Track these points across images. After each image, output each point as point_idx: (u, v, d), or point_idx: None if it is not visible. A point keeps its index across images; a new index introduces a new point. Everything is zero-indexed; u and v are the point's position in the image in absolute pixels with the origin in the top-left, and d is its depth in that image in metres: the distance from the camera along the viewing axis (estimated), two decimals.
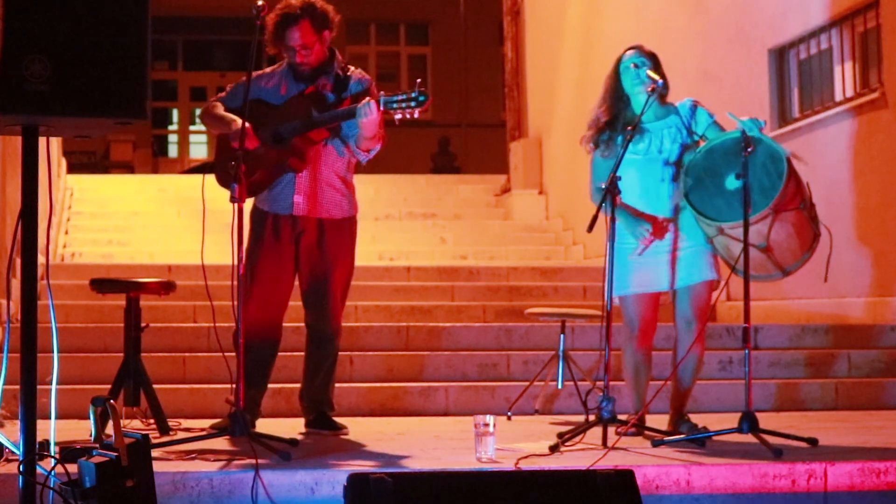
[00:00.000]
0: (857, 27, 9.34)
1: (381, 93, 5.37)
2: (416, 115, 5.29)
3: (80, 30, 3.67)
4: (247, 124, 5.31)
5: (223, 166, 5.71)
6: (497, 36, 20.07)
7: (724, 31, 10.80)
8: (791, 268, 5.54)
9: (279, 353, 5.99)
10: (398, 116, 5.30)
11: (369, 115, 5.30)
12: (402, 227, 13.41)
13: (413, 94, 5.26)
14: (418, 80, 5.41)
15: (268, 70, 5.79)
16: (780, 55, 10.22)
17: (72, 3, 3.67)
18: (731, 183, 5.36)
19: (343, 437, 5.77)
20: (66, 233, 12.39)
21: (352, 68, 5.73)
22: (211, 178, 5.57)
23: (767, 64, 10.23)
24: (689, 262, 5.62)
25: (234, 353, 5.67)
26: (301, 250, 5.71)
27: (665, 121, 5.65)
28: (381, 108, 5.29)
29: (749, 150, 5.18)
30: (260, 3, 5.36)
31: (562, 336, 7.08)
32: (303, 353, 7.56)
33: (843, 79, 9.45)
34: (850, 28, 9.40)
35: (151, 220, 12.18)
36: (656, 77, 5.49)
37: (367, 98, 5.36)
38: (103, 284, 6.30)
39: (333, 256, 5.72)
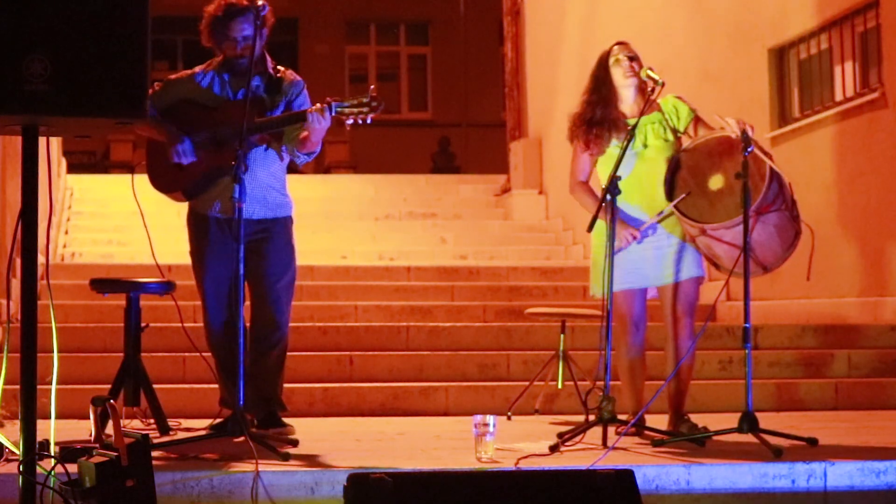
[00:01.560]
0: (857, 27, 9.33)
1: (330, 99, 5.33)
2: (368, 121, 5.26)
3: (79, 30, 3.66)
4: (179, 141, 5.35)
5: (158, 169, 5.64)
6: (497, 36, 20.06)
7: (724, 31, 10.80)
8: (771, 265, 5.55)
9: None
10: (349, 122, 5.26)
11: (321, 121, 5.26)
12: (402, 227, 13.41)
13: (365, 100, 5.24)
14: (371, 87, 5.40)
15: (197, 69, 5.70)
16: (780, 55, 10.22)
17: (71, 2, 3.66)
18: (714, 183, 5.37)
19: (339, 436, 5.77)
20: (66, 233, 12.38)
21: (282, 69, 5.67)
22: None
23: (767, 64, 10.23)
24: (675, 260, 5.62)
25: (211, 354, 5.70)
26: (244, 250, 5.60)
27: (648, 116, 5.64)
28: (333, 113, 5.27)
29: (749, 149, 5.18)
30: (260, 2, 5.35)
31: (562, 336, 7.08)
32: (301, 354, 7.60)
33: (843, 79, 9.45)
34: (850, 28, 9.40)
35: (151, 220, 12.07)
36: (657, 77, 5.49)
37: (320, 103, 5.30)
38: (103, 284, 6.30)
39: (276, 255, 5.64)
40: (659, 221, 5.57)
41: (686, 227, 5.49)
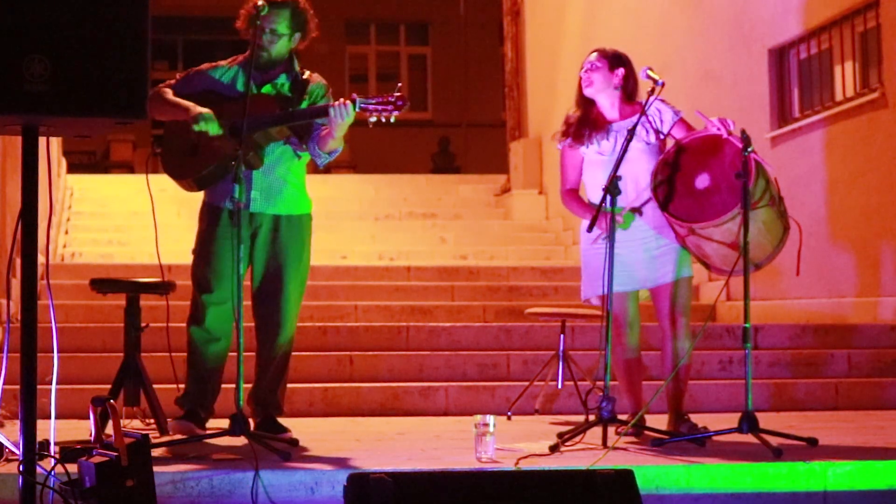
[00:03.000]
0: (857, 27, 9.34)
1: (354, 95, 5.29)
2: (391, 119, 5.21)
3: (79, 30, 3.66)
4: (202, 110, 5.26)
5: (171, 154, 5.54)
6: (497, 36, 20.06)
7: (724, 31, 10.80)
8: (762, 262, 5.56)
9: None
10: (373, 119, 5.21)
11: (344, 116, 5.18)
12: (402, 227, 13.41)
13: (390, 98, 5.19)
14: (399, 84, 5.36)
15: (223, 63, 5.63)
16: (780, 55, 10.22)
17: (71, 2, 3.67)
18: (701, 182, 5.38)
19: (348, 437, 5.76)
20: (66, 233, 12.38)
21: (308, 72, 5.61)
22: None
23: (767, 64, 10.23)
24: (666, 261, 5.62)
25: (184, 354, 5.60)
26: (256, 247, 5.52)
27: (631, 120, 5.62)
28: (357, 109, 5.21)
29: (750, 149, 5.18)
30: (260, 2, 5.34)
31: (562, 336, 7.08)
32: (301, 354, 7.59)
33: (843, 79, 9.46)
34: (850, 28, 9.41)
35: (151, 219, 12.14)
36: (656, 77, 5.49)
37: (343, 98, 5.24)
38: (103, 284, 6.30)
39: (289, 253, 5.53)
40: (637, 211, 5.56)
41: (675, 226, 5.49)
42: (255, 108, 5.33)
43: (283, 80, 5.52)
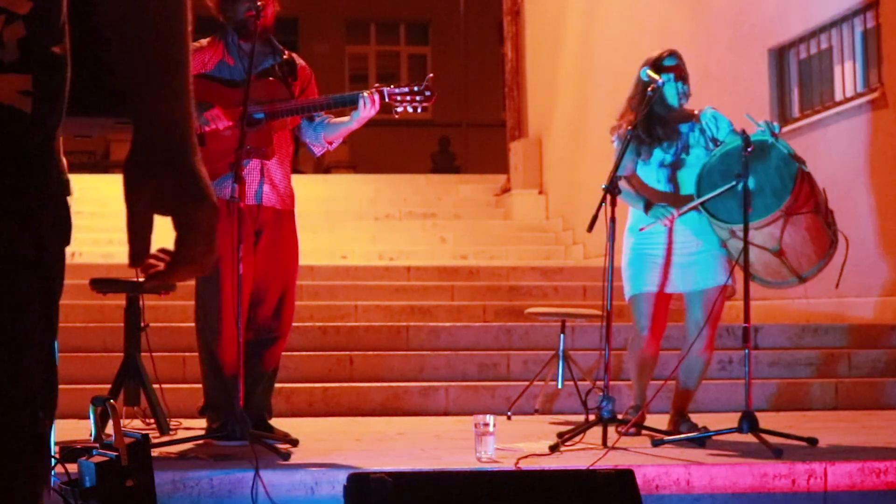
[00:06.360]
0: (857, 27, 9.34)
1: (380, 85, 5.17)
2: (419, 110, 5.13)
3: (79, 29, 3.66)
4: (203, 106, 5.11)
5: None
6: (497, 36, 20.07)
7: (724, 31, 10.80)
8: (807, 274, 5.52)
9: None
10: (399, 109, 5.11)
11: (372, 108, 5.09)
12: (402, 227, 13.41)
13: (417, 88, 5.10)
14: (430, 76, 5.24)
15: (204, 42, 5.31)
16: (780, 55, 10.22)
17: (71, 2, 3.66)
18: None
19: (346, 438, 5.76)
20: None
21: (286, 51, 5.43)
22: None
23: (767, 64, 10.23)
24: (702, 267, 5.62)
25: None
26: (261, 244, 5.31)
27: (689, 125, 5.68)
28: (386, 100, 5.11)
29: (749, 149, 5.18)
30: (259, 2, 5.27)
31: (562, 336, 7.08)
32: (301, 354, 7.59)
33: (844, 79, 9.46)
34: (850, 28, 9.41)
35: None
36: (655, 77, 5.50)
37: (372, 90, 5.13)
38: (103, 284, 6.29)
39: (292, 250, 5.38)
40: (683, 212, 5.52)
41: (716, 228, 5.48)
42: (260, 95, 5.15)
43: (270, 61, 5.34)
